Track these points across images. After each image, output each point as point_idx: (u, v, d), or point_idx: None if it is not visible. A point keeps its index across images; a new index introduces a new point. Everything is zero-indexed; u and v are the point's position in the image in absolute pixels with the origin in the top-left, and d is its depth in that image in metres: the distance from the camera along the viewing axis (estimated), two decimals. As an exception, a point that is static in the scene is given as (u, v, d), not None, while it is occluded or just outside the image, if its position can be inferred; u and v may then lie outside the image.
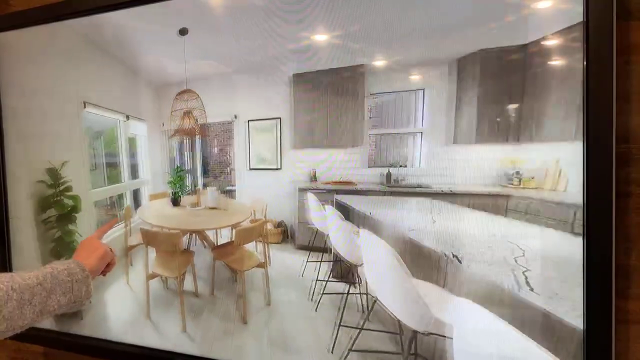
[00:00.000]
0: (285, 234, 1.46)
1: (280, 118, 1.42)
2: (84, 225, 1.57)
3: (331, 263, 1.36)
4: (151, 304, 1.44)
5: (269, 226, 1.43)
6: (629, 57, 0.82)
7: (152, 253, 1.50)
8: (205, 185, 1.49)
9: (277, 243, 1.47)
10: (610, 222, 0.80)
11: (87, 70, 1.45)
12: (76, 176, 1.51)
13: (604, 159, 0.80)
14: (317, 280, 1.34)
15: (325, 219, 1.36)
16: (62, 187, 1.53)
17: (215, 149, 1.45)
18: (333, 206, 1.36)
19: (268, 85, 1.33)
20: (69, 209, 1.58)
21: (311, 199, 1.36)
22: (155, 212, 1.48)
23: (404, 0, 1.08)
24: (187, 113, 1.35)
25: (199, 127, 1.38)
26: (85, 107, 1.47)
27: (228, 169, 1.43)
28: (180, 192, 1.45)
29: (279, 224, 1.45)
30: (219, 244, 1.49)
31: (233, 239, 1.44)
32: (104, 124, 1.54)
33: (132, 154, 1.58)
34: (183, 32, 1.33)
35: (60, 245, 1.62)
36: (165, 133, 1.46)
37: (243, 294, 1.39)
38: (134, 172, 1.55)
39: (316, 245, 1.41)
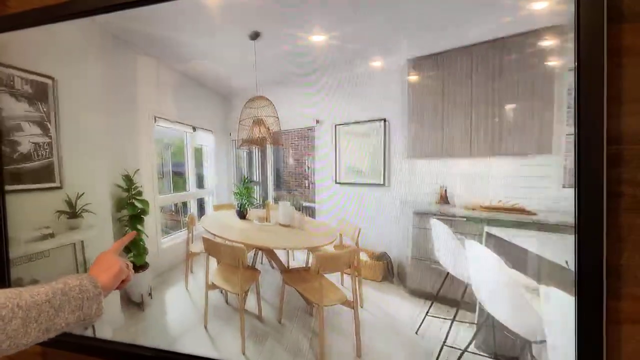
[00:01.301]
0: (389, 271, 0.97)
1: (385, 119, 0.94)
2: (151, 226, 1.42)
3: (475, 326, 0.82)
4: (209, 315, 1.11)
5: (363, 257, 0.99)
6: (620, 59, 0.71)
7: (214, 264, 1.14)
8: (276, 200, 1.10)
9: (376, 281, 0.98)
10: (601, 222, 0.69)
11: (157, 85, 1.26)
12: (146, 182, 1.36)
13: (595, 159, 0.68)
14: (443, 343, 0.83)
15: (464, 260, 0.83)
16: (134, 192, 1.40)
17: (291, 159, 1.07)
18: (483, 243, 0.81)
19: (367, 78, 0.90)
20: (138, 211, 1.43)
21: (439, 228, 0.85)
22: (219, 223, 1.14)
23: None
24: (258, 121, 0.99)
25: (271, 136, 1.00)
26: (155, 121, 1.29)
27: (306, 182, 1.03)
28: (247, 205, 1.08)
29: (380, 257, 0.98)
30: (291, 267, 1.09)
31: (310, 265, 1.06)
32: (172, 135, 1.35)
33: (199, 164, 1.35)
34: (254, 36, 0.95)
35: (130, 242, 1.37)
36: (233, 143, 1.10)
37: (321, 334, 1.01)
38: (200, 182, 1.27)
39: (445, 294, 0.87)
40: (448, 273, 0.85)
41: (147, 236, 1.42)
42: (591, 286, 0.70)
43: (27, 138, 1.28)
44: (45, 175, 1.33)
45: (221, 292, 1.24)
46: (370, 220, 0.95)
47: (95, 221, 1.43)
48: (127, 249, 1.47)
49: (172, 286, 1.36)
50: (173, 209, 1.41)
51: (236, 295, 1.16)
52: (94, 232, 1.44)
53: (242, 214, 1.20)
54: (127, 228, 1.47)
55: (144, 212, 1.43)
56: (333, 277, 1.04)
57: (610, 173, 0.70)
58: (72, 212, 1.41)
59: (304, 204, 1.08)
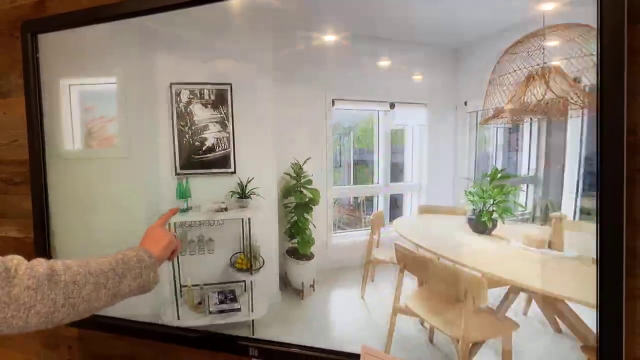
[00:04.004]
0: None
1: None
2: (320, 218, 1.01)
3: None
4: (395, 344, 0.51)
5: None
6: (636, 57, 0.60)
7: (409, 280, 0.55)
8: (584, 213, 0.41)
9: None
10: (622, 207, 0.55)
11: (336, 66, 0.82)
12: (318, 172, 0.98)
13: (616, 149, 0.55)
14: None
15: None
16: (303, 180, 1.02)
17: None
18: None
19: None
20: (306, 200, 1.04)
21: None
22: (430, 232, 0.56)
23: None
24: (538, 76, 0.31)
25: (584, 95, 0.32)
26: (333, 104, 0.87)
27: None
28: (496, 214, 0.43)
29: None
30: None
31: None
32: (355, 118, 0.88)
33: (397, 151, 0.87)
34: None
35: (294, 228, 1.11)
36: (472, 117, 0.45)
37: None
38: (396, 174, 0.67)
39: None
40: None
41: (315, 227, 1.03)
42: (612, 266, 0.55)
43: (212, 135, 1.24)
44: (223, 163, 1.25)
45: (422, 325, 0.66)
46: None
47: (262, 204, 1.18)
48: (291, 235, 1.11)
49: (341, 288, 0.96)
50: (352, 203, 0.91)
51: (453, 341, 0.55)
52: (260, 213, 1.20)
53: (481, 227, 0.58)
54: (293, 214, 1.11)
55: (312, 201, 1.07)
56: None
57: (627, 162, 0.56)
58: (242, 193, 1.22)
59: None
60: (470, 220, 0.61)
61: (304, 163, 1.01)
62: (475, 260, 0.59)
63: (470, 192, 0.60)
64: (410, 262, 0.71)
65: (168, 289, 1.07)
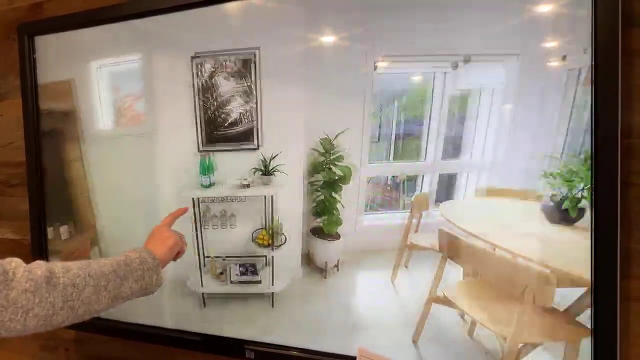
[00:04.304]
0: None
1: None
2: (351, 198, 0.93)
3: None
4: (426, 332, 0.46)
5: None
6: (631, 58, 0.60)
7: (451, 269, 0.48)
8: None
9: None
10: (616, 209, 0.56)
11: (380, 17, 0.64)
12: (352, 147, 0.87)
13: (611, 151, 0.55)
14: None
15: None
16: (333, 157, 0.94)
17: None
18: None
19: None
20: (335, 178, 0.97)
21: None
22: (489, 219, 0.45)
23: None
24: None
25: None
26: (375, 69, 0.72)
27: None
28: (586, 201, 0.34)
29: None
30: None
31: None
32: (403, 83, 0.72)
33: (454, 121, 0.58)
34: None
35: (320, 207, 1.06)
36: (571, 75, 0.34)
37: None
38: (453, 148, 0.55)
39: None
40: None
41: (343, 207, 0.97)
42: (607, 267, 0.55)
43: (236, 108, 1.18)
44: (247, 137, 1.20)
45: (462, 317, 0.60)
46: None
47: (286, 181, 1.13)
48: (317, 214, 1.07)
49: (368, 271, 0.93)
50: (389, 182, 0.82)
51: (499, 339, 0.49)
52: (284, 190, 1.16)
53: (561, 216, 0.48)
54: (319, 193, 1.05)
55: (342, 179, 1.00)
56: None
57: (622, 164, 0.57)
58: (265, 170, 1.18)
59: None
60: (546, 208, 0.50)
61: (334, 138, 0.91)
62: (546, 254, 0.49)
63: (551, 174, 0.48)
64: (457, 250, 0.62)
65: (193, 258, 1.10)
